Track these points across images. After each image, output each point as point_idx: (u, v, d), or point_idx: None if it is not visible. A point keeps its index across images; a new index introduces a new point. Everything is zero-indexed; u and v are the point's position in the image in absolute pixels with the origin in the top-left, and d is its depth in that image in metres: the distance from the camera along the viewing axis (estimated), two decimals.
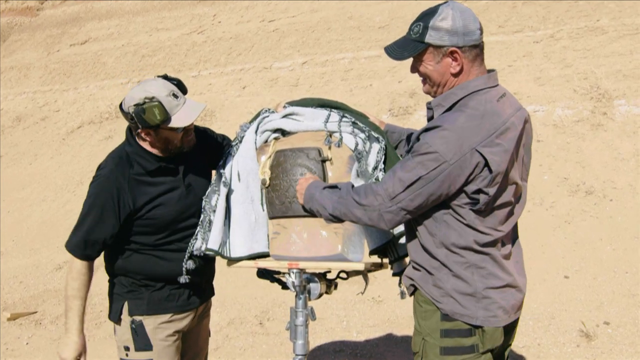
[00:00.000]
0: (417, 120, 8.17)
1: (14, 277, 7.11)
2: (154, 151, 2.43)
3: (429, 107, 2.05)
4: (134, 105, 2.27)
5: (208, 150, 2.65)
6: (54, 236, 8.18)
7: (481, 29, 1.96)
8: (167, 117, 2.29)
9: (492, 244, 1.99)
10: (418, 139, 1.94)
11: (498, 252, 2.01)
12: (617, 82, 7.39)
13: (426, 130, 1.91)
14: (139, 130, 2.37)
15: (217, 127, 9.12)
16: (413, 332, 2.12)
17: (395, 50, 2.03)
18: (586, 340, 4.27)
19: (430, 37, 1.92)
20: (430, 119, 2.06)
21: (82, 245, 2.40)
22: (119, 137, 10.27)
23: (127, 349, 2.47)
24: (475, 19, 1.95)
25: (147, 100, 2.26)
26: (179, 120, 2.32)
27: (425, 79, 2.03)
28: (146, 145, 2.43)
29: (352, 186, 2.06)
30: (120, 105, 2.39)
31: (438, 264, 1.99)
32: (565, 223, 5.85)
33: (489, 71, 2.03)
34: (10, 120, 12.73)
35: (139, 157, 2.42)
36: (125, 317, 2.47)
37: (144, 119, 2.26)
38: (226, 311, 5.44)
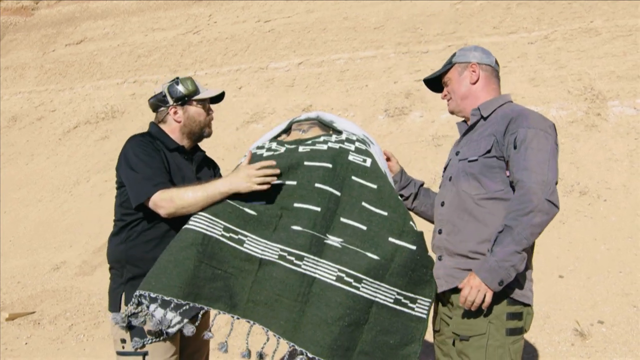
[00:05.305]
0: (413, 121, 8.22)
1: (11, 277, 7.12)
2: (175, 136, 2.67)
3: (474, 114, 2.42)
4: (168, 82, 2.66)
5: (212, 170, 2.88)
6: (51, 236, 8.19)
7: (498, 65, 2.51)
8: (197, 89, 2.67)
9: None
10: (506, 133, 2.22)
11: None
12: (610, 83, 7.45)
13: (508, 125, 2.22)
14: (169, 109, 2.65)
15: (213, 128, 9.13)
16: (461, 317, 2.24)
17: (430, 75, 2.58)
18: (580, 339, 4.32)
19: (457, 58, 2.49)
20: (474, 124, 2.43)
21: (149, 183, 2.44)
22: (115, 137, 10.27)
23: (123, 341, 2.49)
24: (494, 58, 2.50)
25: (179, 77, 2.68)
26: (206, 93, 2.71)
27: (452, 96, 2.48)
28: (168, 131, 2.67)
29: (505, 224, 2.09)
30: (150, 98, 2.72)
31: None
32: (560, 223, 5.89)
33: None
34: (6, 120, 12.71)
35: (161, 136, 2.66)
36: (123, 308, 2.49)
37: (177, 89, 2.63)
38: None
